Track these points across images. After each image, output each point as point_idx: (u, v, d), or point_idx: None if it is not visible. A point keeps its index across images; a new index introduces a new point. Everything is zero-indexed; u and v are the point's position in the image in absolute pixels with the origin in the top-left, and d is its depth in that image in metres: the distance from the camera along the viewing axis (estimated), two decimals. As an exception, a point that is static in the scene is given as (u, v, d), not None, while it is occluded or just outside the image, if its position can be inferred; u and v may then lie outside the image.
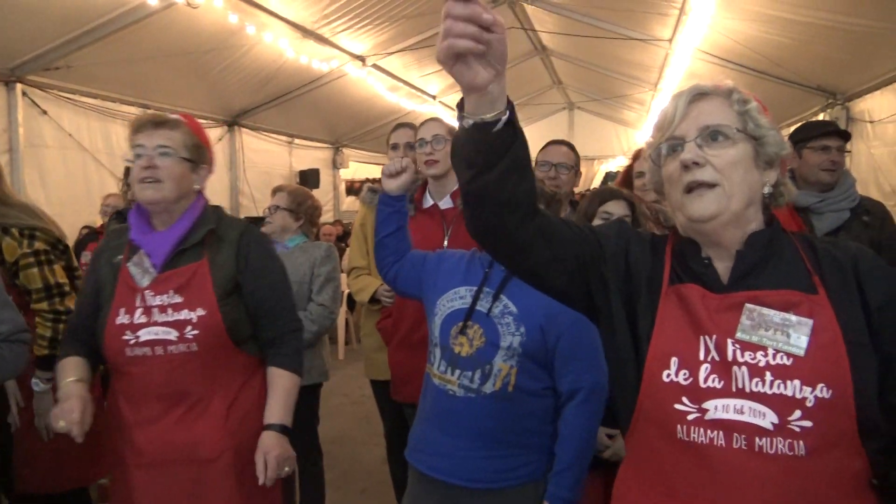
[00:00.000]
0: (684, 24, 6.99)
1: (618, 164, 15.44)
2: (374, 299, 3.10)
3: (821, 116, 7.55)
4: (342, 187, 12.52)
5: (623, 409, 1.27)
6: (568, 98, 14.55)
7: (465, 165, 1.14)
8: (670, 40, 7.85)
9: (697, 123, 1.23)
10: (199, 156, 2.07)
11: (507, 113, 1.09)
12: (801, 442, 1.09)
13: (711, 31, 6.88)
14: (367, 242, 3.22)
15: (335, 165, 11.81)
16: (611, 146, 15.14)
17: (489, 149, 1.10)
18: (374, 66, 8.51)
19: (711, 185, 1.19)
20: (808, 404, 1.09)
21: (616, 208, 2.29)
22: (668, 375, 1.17)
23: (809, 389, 1.10)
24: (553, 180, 2.91)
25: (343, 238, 9.19)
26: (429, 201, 2.87)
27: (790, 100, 7.71)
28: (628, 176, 3.07)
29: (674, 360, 1.18)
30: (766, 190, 1.26)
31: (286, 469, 1.97)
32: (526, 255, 1.24)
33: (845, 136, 2.90)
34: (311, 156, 10.81)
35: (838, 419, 1.10)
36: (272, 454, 1.93)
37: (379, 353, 3.18)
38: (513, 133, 1.11)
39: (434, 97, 10.92)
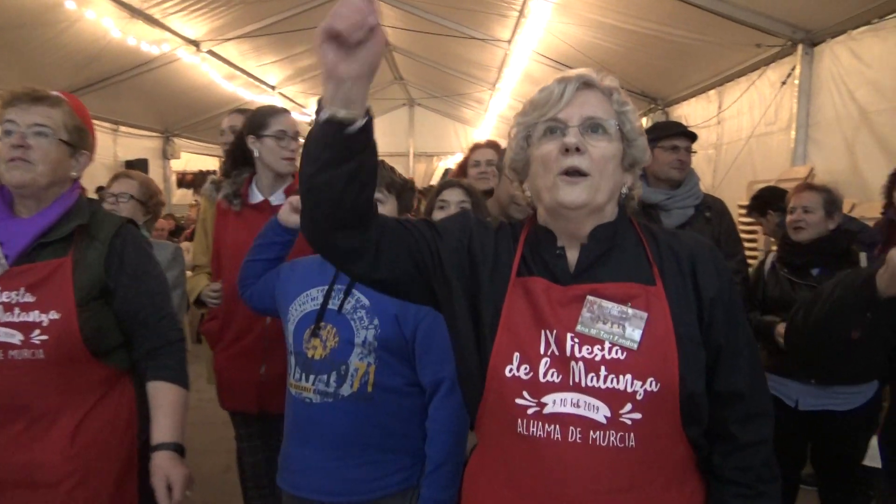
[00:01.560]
0: (523, 27, 7.26)
1: (456, 160, 15.80)
2: (199, 301, 2.89)
3: (644, 120, 8.14)
4: (173, 179, 11.88)
5: (469, 402, 1.27)
6: (409, 94, 14.68)
7: (310, 159, 1.13)
8: (509, 41, 8.13)
9: (582, 112, 1.22)
10: (80, 139, 1.82)
11: (365, 120, 1.10)
12: (631, 434, 1.14)
13: (547, 34, 7.20)
14: (207, 238, 3.01)
15: (165, 156, 11.16)
16: (450, 143, 15.45)
17: (338, 148, 1.10)
18: (210, 52, 8.12)
19: (584, 175, 1.20)
20: (638, 397, 1.14)
21: (452, 195, 2.37)
22: (511, 370, 1.18)
23: (640, 383, 1.14)
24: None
25: (176, 233, 8.67)
26: (257, 196, 2.69)
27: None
28: (464, 167, 3.14)
29: (516, 355, 1.19)
30: (624, 191, 1.30)
31: (187, 493, 1.73)
32: (360, 260, 1.23)
33: (692, 137, 3.13)
34: (138, 145, 10.13)
35: (664, 410, 1.16)
36: (175, 474, 1.71)
37: None
38: (365, 141, 1.12)
39: (273, 87, 10.59)
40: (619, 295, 1.20)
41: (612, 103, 1.26)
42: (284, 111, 2.73)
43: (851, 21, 4.79)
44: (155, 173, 10.60)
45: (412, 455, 1.82)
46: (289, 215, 2.05)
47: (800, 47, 5.37)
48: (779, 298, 2.87)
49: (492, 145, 3.25)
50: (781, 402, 2.82)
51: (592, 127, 1.22)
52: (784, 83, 5.66)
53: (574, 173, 1.20)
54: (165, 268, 2.88)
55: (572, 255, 1.27)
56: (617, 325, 1.18)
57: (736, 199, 5.53)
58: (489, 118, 13.24)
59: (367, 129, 1.11)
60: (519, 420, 1.18)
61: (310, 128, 1.14)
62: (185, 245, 5.73)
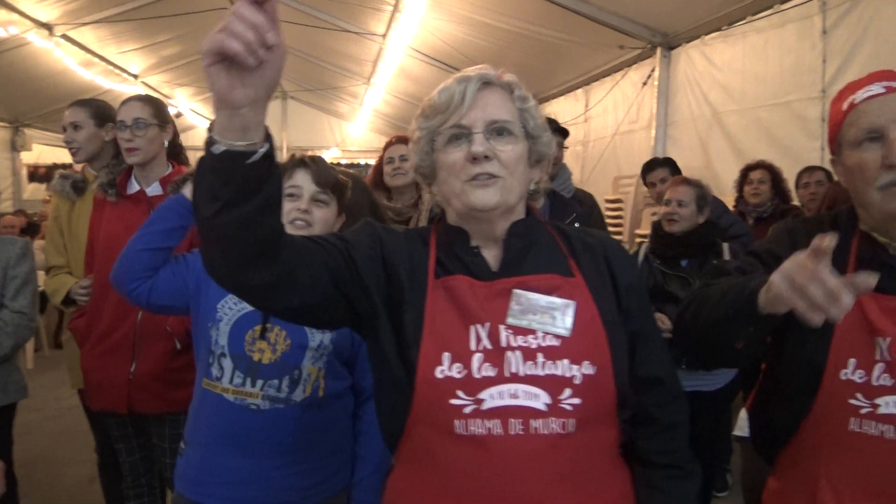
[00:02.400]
0: (397, 21, 7.25)
1: (331, 155, 15.61)
2: (68, 300, 2.70)
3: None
4: (24, 172, 10.98)
5: (393, 414, 1.22)
6: (281, 87, 14.32)
7: (208, 197, 0.97)
8: (384, 35, 8.11)
9: (485, 116, 1.20)
10: None
11: (266, 146, 0.96)
12: (571, 420, 1.13)
13: (422, 29, 7.23)
14: (63, 237, 2.80)
15: (14, 147, 10.33)
16: (324, 137, 15.25)
17: (240, 183, 0.96)
18: (64, 36, 7.54)
19: (495, 177, 1.19)
20: (577, 381, 1.14)
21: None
22: (442, 371, 1.15)
23: (577, 367, 1.14)
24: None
25: (28, 230, 8.03)
26: (134, 186, 2.54)
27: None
28: (379, 165, 3.10)
29: (446, 356, 1.16)
30: (532, 186, 1.30)
31: None
32: (277, 293, 1.11)
33: (564, 133, 3.24)
34: (-19, 135, 9.32)
35: (601, 394, 1.16)
36: None
37: None
38: (268, 169, 0.97)
39: (136, 76, 10.02)
40: (544, 286, 1.20)
41: (514, 100, 1.24)
42: (129, 99, 2.58)
43: (704, 27, 5.14)
44: (3, 166, 9.82)
45: (345, 456, 1.79)
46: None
47: (658, 50, 5.70)
48: (652, 288, 3.03)
49: (404, 140, 3.23)
50: None
51: (498, 130, 1.20)
52: (645, 84, 6.00)
53: (484, 176, 1.19)
54: (13, 264, 2.67)
55: (488, 254, 1.26)
56: (546, 314, 1.18)
57: (603, 193, 5.81)
58: (364, 112, 13.15)
59: (270, 154, 0.97)
60: (456, 421, 1.14)
61: (200, 159, 0.99)
62: (38, 244, 5.31)
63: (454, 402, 1.14)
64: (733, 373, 2.98)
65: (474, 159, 1.18)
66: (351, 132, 15.12)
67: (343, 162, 16.07)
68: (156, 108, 2.56)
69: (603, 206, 5.22)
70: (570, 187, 3.22)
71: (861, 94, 1.28)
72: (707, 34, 5.17)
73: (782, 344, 1.34)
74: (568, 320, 1.17)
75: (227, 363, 1.72)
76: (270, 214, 1.02)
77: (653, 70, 5.83)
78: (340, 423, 1.78)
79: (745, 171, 4.14)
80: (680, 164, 4.32)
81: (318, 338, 1.71)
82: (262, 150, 0.95)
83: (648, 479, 1.25)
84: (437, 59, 8.09)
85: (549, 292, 1.19)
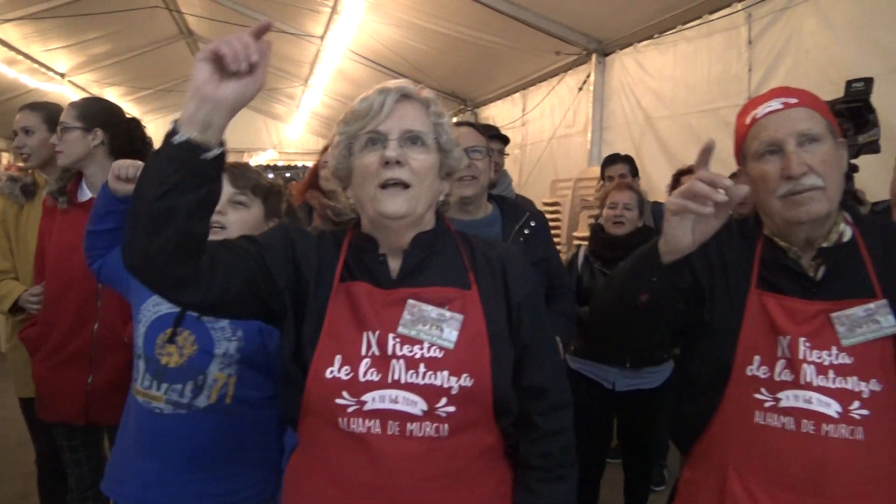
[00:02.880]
0: (336, 23, 7.21)
1: (268, 157, 15.38)
2: (16, 308, 2.60)
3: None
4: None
5: (290, 405, 1.29)
6: (215, 87, 14.05)
7: (156, 179, 1.07)
8: (322, 37, 8.04)
9: (401, 125, 1.27)
10: None
11: (221, 149, 1.09)
12: (445, 425, 1.22)
13: (361, 32, 7.21)
14: (9, 241, 2.70)
15: (-71, 148, 9.80)
16: (260, 139, 15.02)
17: (190, 173, 1.07)
18: (-16, 33, 7.24)
19: (406, 186, 1.25)
20: (453, 392, 1.22)
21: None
22: (332, 372, 1.23)
23: (455, 379, 1.22)
24: (467, 169, 2.20)
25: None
26: (86, 194, 2.47)
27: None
28: (315, 172, 3.08)
29: (338, 358, 1.24)
30: (441, 198, 1.37)
31: None
32: (189, 287, 1.18)
33: (505, 140, 3.30)
34: None
35: (477, 403, 1.25)
36: None
37: (30, 369, 2.69)
38: (216, 170, 1.10)
39: (63, 75, 9.65)
40: (438, 298, 1.28)
41: (430, 115, 1.32)
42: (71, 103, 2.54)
43: (637, 35, 5.29)
44: (-84, 168, 9.29)
45: (267, 467, 1.76)
46: (115, 183, 1.89)
47: (594, 57, 5.83)
48: (593, 289, 3.11)
49: None
50: (600, 385, 3.09)
51: (412, 139, 1.28)
52: (581, 89, 6.12)
53: (395, 184, 1.25)
54: None
55: (394, 262, 1.32)
56: (435, 326, 1.25)
57: (541, 197, 5.90)
58: (301, 114, 13.02)
59: (221, 159, 1.10)
60: (340, 418, 1.22)
61: (156, 150, 1.09)
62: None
63: (339, 401, 1.22)
64: (668, 372, 3.08)
65: (387, 163, 1.24)
66: (288, 134, 14.93)
67: (280, 164, 15.88)
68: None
69: (541, 209, 5.30)
70: (512, 193, 3.28)
71: (762, 110, 1.38)
72: (640, 42, 5.32)
73: (694, 343, 1.43)
74: (454, 334, 1.25)
75: (142, 365, 1.74)
76: (203, 214, 1.12)
77: (588, 75, 5.96)
78: (260, 434, 1.75)
79: (678, 176, 4.26)
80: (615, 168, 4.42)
81: (223, 346, 1.70)
82: (216, 151, 1.08)
83: (524, 480, 1.35)
84: (376, 61, 8.08)
85: (441, 304, 1.27)
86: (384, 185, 1.25)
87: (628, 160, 4.38)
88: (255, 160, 14.74)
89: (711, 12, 4.51)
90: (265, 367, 1.73)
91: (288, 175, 15.38)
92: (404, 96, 1.30)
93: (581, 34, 5.73)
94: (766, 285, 1.38)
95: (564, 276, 2.61)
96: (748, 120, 1.41)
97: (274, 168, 15.68)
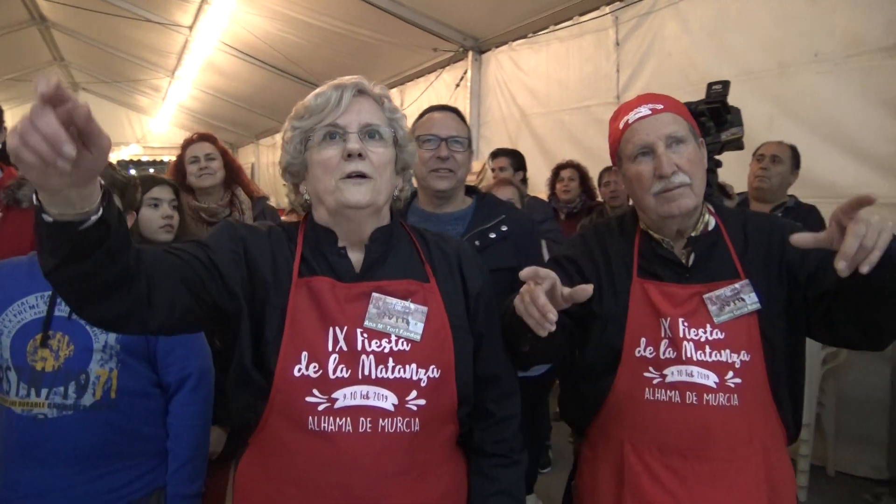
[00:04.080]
0: (206, 13, 6.96)
1: (131, 152, 14.61)
2: None
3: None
4: None
5: (249, 409, 1.25)
6: (72, 78, 13.12)
7: (47, 251, 0.97)
8: (191, 27, 7.73)
9: (360, 119, 1.28)
10: None
11: (100, 212, 0.94)
12: (416, 419, 1.23)
13: (233, 23, 7.00)
14: None
15: None
16: (123, 133, 14.25)
17: (75, 246, 0.95)
18: None
19: (367, 177, 1.26)
20: (422, 384, 1.23)
21: (162, 193, 2.30)
22: (300, 370, 1.21)
23: (423, 371, 1.24)
24: (444, 162, 2.05)
25: None
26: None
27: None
28: (179, 166, 2.98)
29: (304, 355, 1.21)
30: (396, 193, 1.38)
31: None
32: (133, 319, 1.11)
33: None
34: None
35: (444, 394, 1.26)
36: None
37: None
38: (105, 231, 0.96)
39: None
40: (401, 291, 1.28)
41: (385, 110, 1.33)
42: None
43: (511, 34, 5.46)
44: None
45: (157, 455, 1.76)
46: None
47: (470, 54, 5.96)
48: None
49: (207, 138, 3.08)
50: None
51: (370, 133, 1.29)
52: (458, 85, 6.24)
53: (357, 176, 1.26)
54: None
55: (354, 256, 1.32)
56: (401, 319, 1.26)
57: (421, 191, 5.96)
58: (168, 107, 12.46)
59: (105, 219, 0.95)
60: (310, 417, 1.20)
61: (36, 221, 0.94)
62: None
63: (309, 399, 1.20)
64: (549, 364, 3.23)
65: (349, 156, 1.25)
66: (153, 127, 14.26)
67: (144, 159, 15.10)
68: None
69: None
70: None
71: (633, 116, 1.49)
72: (514, 40, 5.49)
73: (587, 332, 1.52)
74: (420, 326, 1.27)
75: (13, 376, 1.68)
76: (116, 260, 1.02)
77: (465, 72, 6.08)
78: (147, 423, 1.75)
79: (557, 170, 4.45)
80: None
81: (102, 338, 1.68)
82: (94, 218, 0.94)
83: (480, 466, 1.37)
84: (249, 53, 7.86)
85: (405, 297, 1.28)
86: (348, 177, 1.25)
87: (511, 153, 4.46)
88: (116, 156, 13.94)
89: (581, 14, 4.73)
90: (145, 354, 1.73)
91: (152, 171, 14.66)
92: (360, 91, 1.31)
93: (458, 31, 5.84)
94: (645, 274, 1.50)
95: None
96: (621, 125, 1.52)
97: (137, 164, 14.91)
